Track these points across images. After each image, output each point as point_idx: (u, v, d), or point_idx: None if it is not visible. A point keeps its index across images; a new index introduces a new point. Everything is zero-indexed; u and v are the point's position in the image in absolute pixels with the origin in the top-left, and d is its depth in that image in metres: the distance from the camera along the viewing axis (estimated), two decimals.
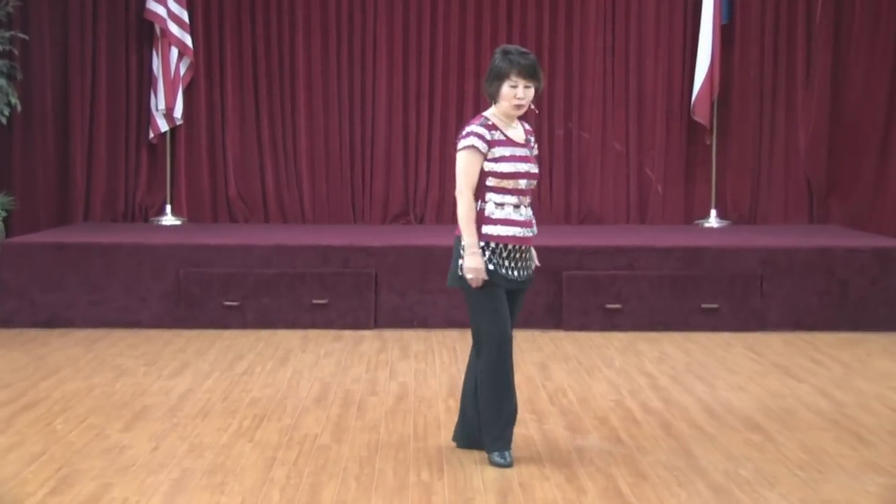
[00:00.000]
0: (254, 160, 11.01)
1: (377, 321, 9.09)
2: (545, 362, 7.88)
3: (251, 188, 11.02)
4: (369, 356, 8.08)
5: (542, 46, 10.95)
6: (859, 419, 6.40)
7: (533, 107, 5.52)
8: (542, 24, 10.99)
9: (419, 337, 8.77)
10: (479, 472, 5.36)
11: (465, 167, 5.44)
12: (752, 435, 6.06)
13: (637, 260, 9.11)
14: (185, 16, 10.62)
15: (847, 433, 6.11)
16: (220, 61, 10.98)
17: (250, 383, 7.23)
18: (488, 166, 5.44)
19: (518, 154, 5.46)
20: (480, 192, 5.47)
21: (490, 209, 5.45)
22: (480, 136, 5.43)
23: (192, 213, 10.94)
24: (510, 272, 5.46)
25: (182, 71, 10.73)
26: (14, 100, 10.18)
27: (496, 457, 5.44)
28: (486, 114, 5.52)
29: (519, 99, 5.41)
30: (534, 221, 5.58)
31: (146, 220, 10.91)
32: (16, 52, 10.32)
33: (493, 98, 5.48)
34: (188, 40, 10.66)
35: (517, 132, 5.53)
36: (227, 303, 9.00)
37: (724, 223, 10.88)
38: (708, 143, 10.94)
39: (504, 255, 5.44)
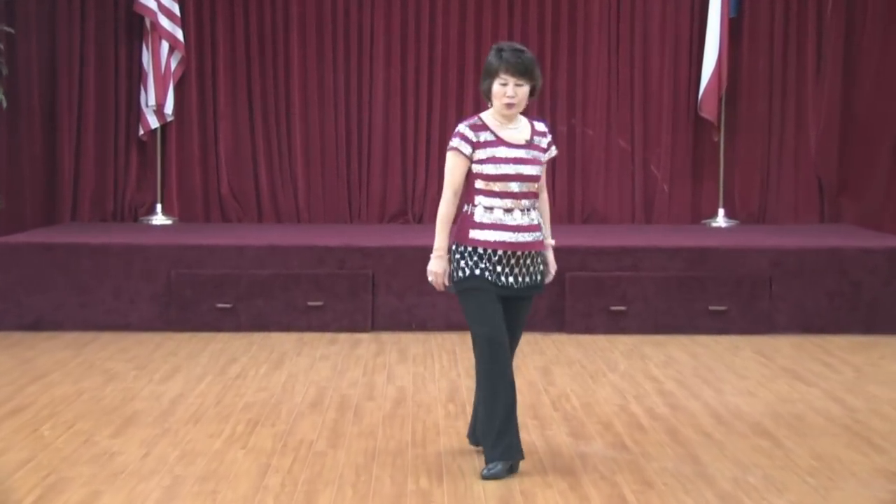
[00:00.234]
0: (247, 157, 11.02)
1: (374, 324, 9.09)
2: (548, 366, 7.89)
3: (244, 186, 11.03)
4: (366, 360, 8.08)
5: (545, 40, 10.96)
6: (871, 425, 6.41)
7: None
8: (544, 16, 11.00)
9: (418, 340, 8.78)
10: (479, 480, 5.36)
11: (450, 169, 5.47)
12: (760, 441, 6.07)
13: (642, 261, 9.12)
14: (175, 9, 10.63)
15: (859, 439, 6.12)
16: (212, 56, 10.99)
17: (244, 388, 7.23)
18: (476, 168, 5.43)
19: (510, 156, 5.41)
20: (469, 194, 5.48)
21: (479, 213, 5.43)
22: (464, 138, 5.44)
23: (183, 213, 10.95)
24: (503, 278, 5.42)
25: (173, 66, 10.74)
26: None
27: (483, 470, 5.43)
28: (482, 114, 5.53)
29: (509, 97, 5.39)
30: (539, 225, 5.50)
31: (136, 219, 10.92)
32: (1, 46, 10.32)
33: (487, 97, 5.48)
34: (179, 34, 10.67)
35: (516, 132, 5.47)
36: (220, 305, 9.00)
37: (733, 223, 10.89)
38: (715, 140, 10.95)
39: (494, 260, 5.41)
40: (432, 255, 5.52)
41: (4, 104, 10.27)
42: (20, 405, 6.75)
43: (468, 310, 5.47)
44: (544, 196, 5.65)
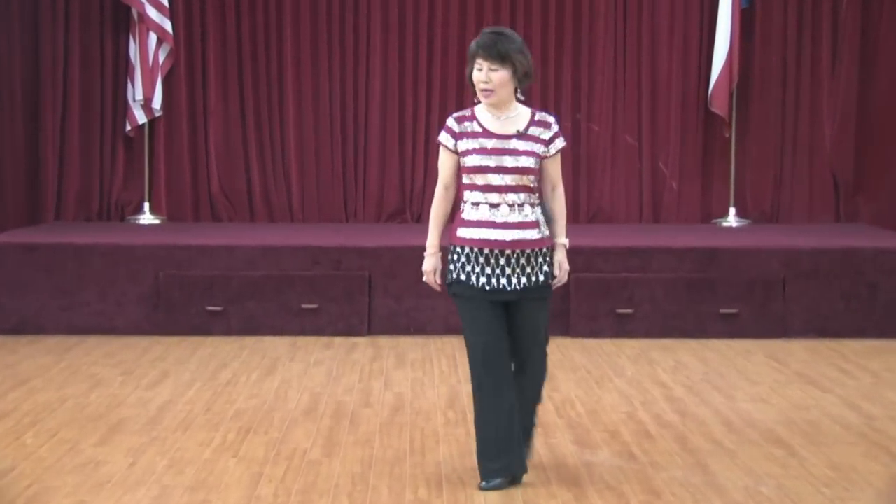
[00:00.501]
0: (238, 154, 11.02)
1: (371, 327, 9.09)
2: (552, 371, 7.81)
3: (235, 184, 11.02)
4: (362, 365, 8.08)
5: (549, 30, 10.97)
6: (890, 433, 6.40)
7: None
8: (548, 6, 11.00)
9: (416, 344, 8.78)
10: (480, 490, 5.36)
11: (440, 163, 5.48)
12: (774, 450, 6.07)
13: (650, 261, 9.12)
14: None
15: (876, 448, 6.12)
16: (202, 48, 10.98)
17: (235, 394, 7.23)
18: (461, 160, 5.41)
19: (493, 146, 5.31)
20: (461, 190, 5.45)
21: (467, 210, 5.39)
22: (448, 130, 5.43)
23: (171, 212, 10.95)
24: (494, 280, 5.33)
25: (161, 58, 10.73)
26: None
27: (482, 483, 5.39)
28: (478, 105, 5.45)
29: (483, 83, 5.31)
30: (536, 222, 5.38)
31: (122, 218, 10.92)
32: None
33: (471, 85, 5.41)
34: (168, 25, 10.67)
35: (507, 123, 5.36)
36: (210, 307, 9.00)
37: (744, 222, 10.89)
38: (726, 136, 10.95)
39: (482, 260, 5.34)
40: (425, 254, 5.51)
41: None
42: (2, 412, 6.75)
43: (460, 316, 5.44)
44: (558, 192, 5.51)
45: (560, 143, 5.47)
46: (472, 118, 5.41)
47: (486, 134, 5.36)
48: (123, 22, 10.81)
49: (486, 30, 5.42)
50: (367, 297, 9.07)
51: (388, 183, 11.03)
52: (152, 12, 10.55)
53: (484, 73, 5.30)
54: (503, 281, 5.34)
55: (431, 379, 7.68)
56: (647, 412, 6.83)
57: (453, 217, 5.52)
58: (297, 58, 10.97)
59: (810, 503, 5.25)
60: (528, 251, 5.38)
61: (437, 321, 9.03)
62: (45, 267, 9.05)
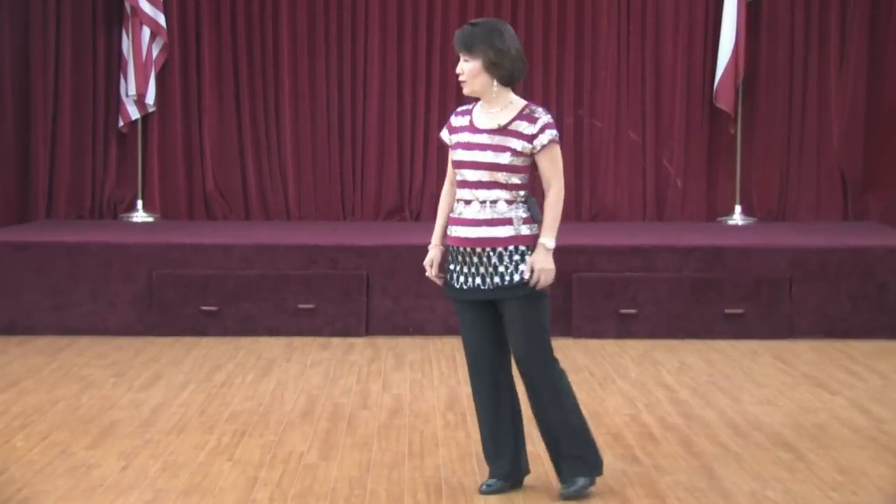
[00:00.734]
0: (233, 151, 11.02)
1: (369, 328, 9.09)
2: None
3: (231, 182, 11.02)
4: (360, 366, 8.08)
5: (550, 25, 10.96)
6: None
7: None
8: (549, 0, 10.99)
9: (415, 345, 8.78)
10: (480, 494, 5.36)
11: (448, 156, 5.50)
12: (780, 453, 6.06)
13: (654, 261, 9.11)
14: None
15: (886, 451, 6.11)
16: (196, 42, 10.98)
17: (229, 396, 7.23)
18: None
19: (471, 141, 5.28)
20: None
21: (455, 206, 5.39)
22: (448, 124, 5.46)
23: (165, 210, 10.95)
24: (469, 280, 5.29)
25: (155, 53, 10.73)
26: None
27: (482, 486, 5.40)
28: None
29: (458, 74, 5.35)
30: (510, 220, 5.23)
31: (115, 217, 10.92)
32: None
33: None
34: (161, 19, 10.66)
35: (489, 117, 5.30)
36: (205, 307, 9.00)
37: (750, 220, 10.89)
38: (732, 132, 10.95)
39: (459, 259, 5.33)
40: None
41: None
42: None
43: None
44: (552, 190, 5.32)
45: (546, 137, 5.24)
46: (468, 112, 5.42)
47: (471, 128, 5.35)
48: (116, 15, 10.81)
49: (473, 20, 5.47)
50: (365, 296, 9.07)
51: (386, 181, 11.02)
52: (146, 6, 10.54)
53: (460, 64, 5.34)
54: (477, 280, 5.29)
55: (430, 380, 7.68)
56: (651, 414, 6.83)
57: None
58: (294, 52, 10.97)
59: None
60: (499, 249, 5.25)
61: (437, 321, 9.03)
62: (36, 266, 9.04)
